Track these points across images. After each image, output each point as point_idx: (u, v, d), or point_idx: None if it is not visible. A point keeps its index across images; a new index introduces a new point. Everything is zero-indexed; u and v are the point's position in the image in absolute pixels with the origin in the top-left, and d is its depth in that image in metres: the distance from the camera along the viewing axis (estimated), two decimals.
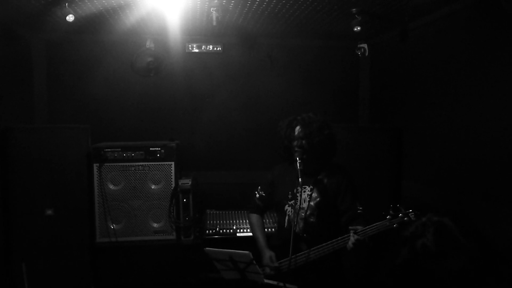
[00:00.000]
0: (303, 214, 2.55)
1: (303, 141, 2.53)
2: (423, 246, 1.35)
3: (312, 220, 2.56)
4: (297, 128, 2.58)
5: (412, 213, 2.25)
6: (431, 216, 1.44)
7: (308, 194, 2.58)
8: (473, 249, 1.35)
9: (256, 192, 2.82)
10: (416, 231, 1.42)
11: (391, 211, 2.29)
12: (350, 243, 2.32)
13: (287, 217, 2.61)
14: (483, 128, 2.80)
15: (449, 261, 1.30)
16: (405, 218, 2.25)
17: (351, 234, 2.33)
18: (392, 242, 3.25)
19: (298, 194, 2.54)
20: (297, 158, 2.48)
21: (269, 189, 2.76)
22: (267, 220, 3.72)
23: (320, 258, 2.45)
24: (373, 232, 2.30)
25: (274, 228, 3.51)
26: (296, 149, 2.53)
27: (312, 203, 2.57)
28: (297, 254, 2.48)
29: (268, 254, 2.58)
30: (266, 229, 2.87)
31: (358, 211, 2.52)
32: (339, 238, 2.41)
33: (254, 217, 2.83)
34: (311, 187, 2.58)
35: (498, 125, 2.67)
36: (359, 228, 2.36)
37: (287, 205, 2.61)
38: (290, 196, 2.60)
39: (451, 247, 1.34)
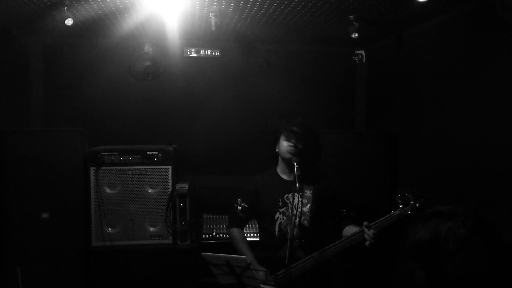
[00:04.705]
0: (297, 221, 2.54)
1: (301, 146, 2.54)
2: (450, 230, 1.17)
3: (306, 225, 2.57)
4: (294, 133, 2.56)
5: (423, 198, 2.28)
6: (463, 209, 1.26)
7: (298, 200, 2.57)
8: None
9: (237, 205, 2.69)
10: (445, 211, 1.26)
11: (400, 200, 2.31)
12: (369, 238, 2.26)
13: (277, 226, 2.58)
14: (479, 134, 2.81)
15: (477, 256, 1.13)
16: (417, 204, 2.29)
17: (364, 229, 2.29)
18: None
19: (289, 201, 2.53)
20: (295, 164, 2.46)
21: (252, 199, 2.67)
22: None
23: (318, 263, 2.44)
24: (388, 222, 2.31)
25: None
26: (293, 154, 2.53)
27: (304, 209, 2.57)
28: (305, 259, 2.45)
29: (263, 270, 2.42)
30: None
31: (344, 212, 2.67)
32: (350, 235, 2.37)
33: (236, 231, 2.69)
34: (300, 193, 2.56)
35: (494, 131, 2.69)
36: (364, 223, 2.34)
37: (278, 213, 2.58)
38: (280, 203, 2.58)
39: (486, 242, 1.16)
